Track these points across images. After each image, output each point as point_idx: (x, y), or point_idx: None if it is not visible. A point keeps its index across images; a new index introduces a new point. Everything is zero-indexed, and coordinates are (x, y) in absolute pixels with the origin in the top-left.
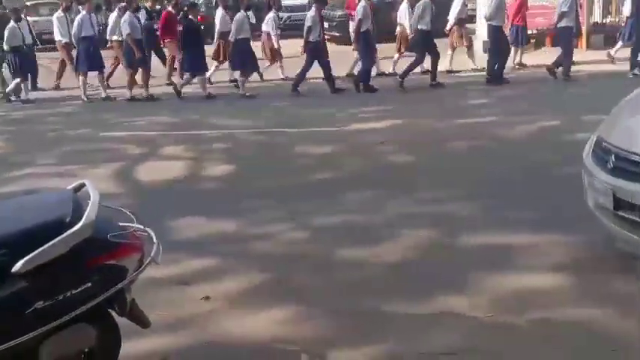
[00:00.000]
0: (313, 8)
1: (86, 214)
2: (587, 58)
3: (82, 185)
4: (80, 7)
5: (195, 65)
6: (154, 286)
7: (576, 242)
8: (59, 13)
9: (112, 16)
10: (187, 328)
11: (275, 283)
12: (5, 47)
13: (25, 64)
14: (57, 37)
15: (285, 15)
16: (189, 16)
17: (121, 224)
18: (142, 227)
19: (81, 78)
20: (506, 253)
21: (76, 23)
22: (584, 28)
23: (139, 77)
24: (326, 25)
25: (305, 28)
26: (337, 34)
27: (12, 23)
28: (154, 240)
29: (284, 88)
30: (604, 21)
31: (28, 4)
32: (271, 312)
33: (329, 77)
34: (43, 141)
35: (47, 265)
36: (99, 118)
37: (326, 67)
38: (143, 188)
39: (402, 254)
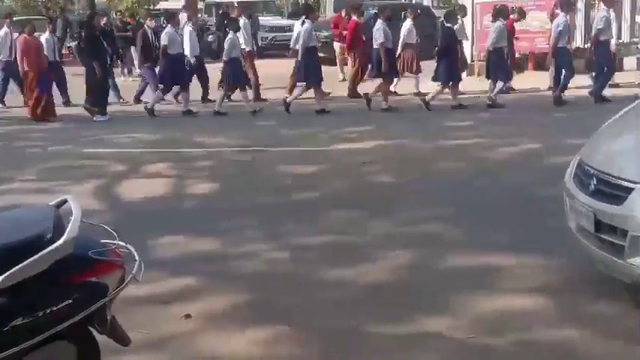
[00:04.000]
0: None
1: (68, 230)
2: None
3: (64, 201)
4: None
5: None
6: (135, 304)
7: (557, 264)
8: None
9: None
10: (168, 347)
11: (256, 302)
12: None
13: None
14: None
15: (269, 35)
16: None
17: (102, 241)
18: (123, 244)
19: None
20: (488, 274)
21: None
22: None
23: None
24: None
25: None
26: (322, 55)
27: None
28: (136, 257)
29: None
30: (585, 46)
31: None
32: (252, 332)
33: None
34: (24, 157)
35: (27, 281)
36: (81, 135)
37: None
38: (125, 206)
39: (383, 275)
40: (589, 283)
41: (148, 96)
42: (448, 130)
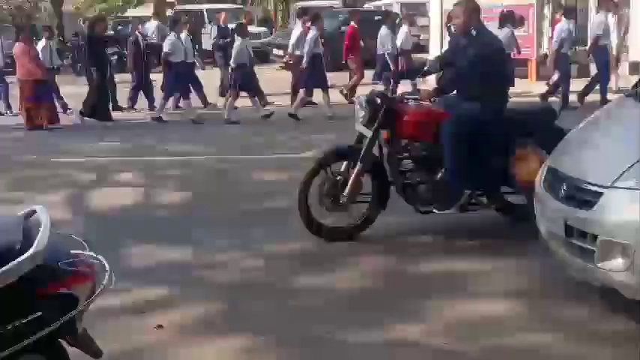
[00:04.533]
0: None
1: (37, 241)
2: (537, 90)
3: (33, 212)
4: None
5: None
6: (107, 314)
7: (529, 269)
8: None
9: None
10: (140, 358)
11: (230, 311)
12: None
13: None
14: None
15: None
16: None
17: (72, 252)
18: (94, 255)
19: None
20: (461, 279)
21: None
22: (533, 59)
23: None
24: None
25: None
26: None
27: None
28: (107, 267)
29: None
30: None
31: None
32: (226, 341)
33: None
34: None
35: None
36: (50, 143)
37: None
38: (95, 215)
39: (357, 281)
40: (560, 287)
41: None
42: None
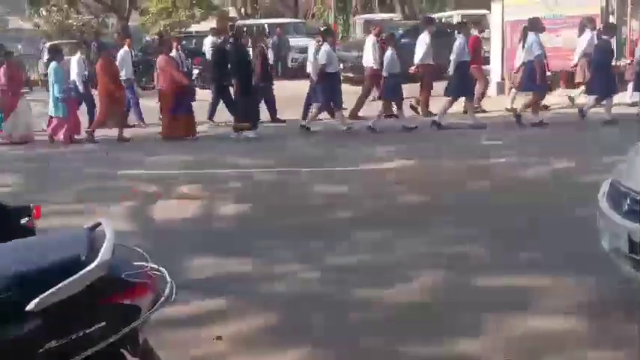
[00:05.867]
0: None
1: (101, 252)
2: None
3: (98, 224)
4: None
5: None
6: (168, 325)
7: (591, 285)
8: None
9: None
10: None
11: (288, 324)
12: None
13: None
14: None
15: (299, 56)
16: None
17: (135, 263)
18: (155, 266)
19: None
20: (521, 294)
21: None
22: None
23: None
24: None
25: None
26: (351, 75)
27: None
28: (168, 279)
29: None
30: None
31: None
32: (284, 353)
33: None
34: (60, 179)
35: (61, 303)
36: (116, 157)
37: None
38: (158, 227)
39: (416, 294)
40: (623, 304)
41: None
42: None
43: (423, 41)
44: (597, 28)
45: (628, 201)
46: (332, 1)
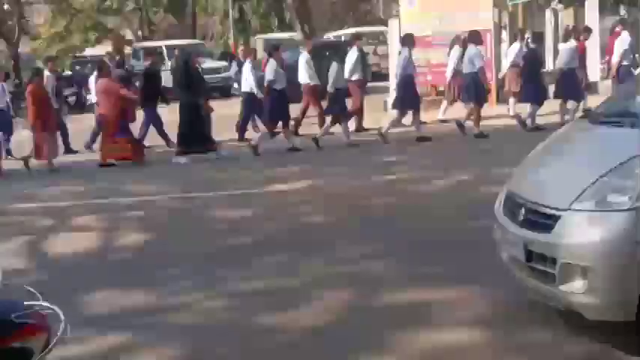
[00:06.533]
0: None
1: None
2: (497, 112)
3: None
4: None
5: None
6: None
7: (491, 295)
8: None
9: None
10: None
11: (194, 355)
12: None
13: None
14: None
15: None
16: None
17: (25, 303)
18: (47, 305)
19: None
20: (425, 309)
21: None
22: (493, 83)
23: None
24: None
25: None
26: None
27: None
28: (61, 317)
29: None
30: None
31: None
32: None
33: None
34: None
35: None
36: (6, 190)
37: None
38: (54, 262)
39: (321, 316)
40: (522, 313)
41: None
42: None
43: (351, 57)
44: (526, 37)
45: (523, 210)
46: (231, 22)
